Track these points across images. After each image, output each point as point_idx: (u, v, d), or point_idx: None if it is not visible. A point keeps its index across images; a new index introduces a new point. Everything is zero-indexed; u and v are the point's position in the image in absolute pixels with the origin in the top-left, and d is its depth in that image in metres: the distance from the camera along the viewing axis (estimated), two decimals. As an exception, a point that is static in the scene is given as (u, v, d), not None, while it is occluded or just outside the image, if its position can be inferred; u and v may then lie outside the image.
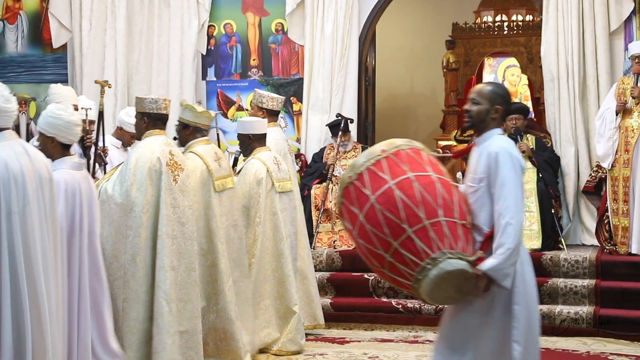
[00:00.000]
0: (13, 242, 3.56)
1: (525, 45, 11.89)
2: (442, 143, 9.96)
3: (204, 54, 8.28)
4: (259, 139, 5.84)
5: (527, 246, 4.32)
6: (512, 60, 12.10)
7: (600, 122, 6.93)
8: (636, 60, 6.92)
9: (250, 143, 5.79)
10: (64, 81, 8.67)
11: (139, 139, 4.86)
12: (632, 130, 6.72)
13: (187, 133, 5.19)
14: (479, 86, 3.80)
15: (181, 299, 4.58)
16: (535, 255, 6.26)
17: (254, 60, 8.51)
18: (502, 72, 12.41)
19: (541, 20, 8.06)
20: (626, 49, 7.21)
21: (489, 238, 3.58)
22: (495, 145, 3.57)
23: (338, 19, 8.26)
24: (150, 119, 4.77)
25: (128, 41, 8.47)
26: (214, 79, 8.38)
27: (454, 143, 9.84)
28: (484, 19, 12.49)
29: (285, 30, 8.48)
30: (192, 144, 5.15)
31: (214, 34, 8.55)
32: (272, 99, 6.21)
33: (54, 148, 4.17)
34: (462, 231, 3.58)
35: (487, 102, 3.67)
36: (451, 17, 12.74)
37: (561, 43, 7.88)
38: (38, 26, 8.86)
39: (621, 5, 7.67)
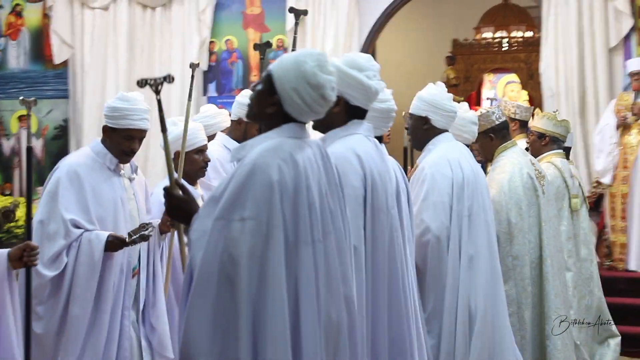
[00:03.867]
0: None
1: (525, 62, 12.05)
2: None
3: (205, 69, 8.35)
4: None
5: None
6: (512, 77, 12.33)
7: (600, 137, 6.99)
8: (635, 77, 6.99)
9: None
10: (65, 97, 8.85)
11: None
12: (631, 147, 6.80)
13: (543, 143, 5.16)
14: None
15: None
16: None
17: (254, 76, 8.55)
18: (502, 88, 12.65)
19: (540, 36, 8.14)
20: (625, 65, 7.28)
21: None
22: None
23: (339, 35, 8.31)
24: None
25: (129, 57, 8.52)
26: (215, 94, 8.43)
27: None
28: (484, 35, 12.75)
29: (286, 46, 8.55)
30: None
31: (215, 50, 8.62)
32: (525, 110, 5.98)
33: None
34: None
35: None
36: (451, 33, 12.90)
37: (560, 59, 7.92)
38: (40, 42, 8.95)
39: (620, 22, 7.73)
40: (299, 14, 4.71)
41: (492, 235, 3.89)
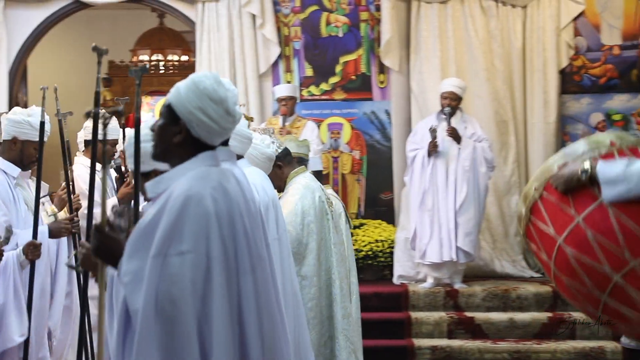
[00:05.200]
0: None
1: None
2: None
3: None
4: None
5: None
6: None
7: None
8: (282, 102, 7.67)
9: None
10: None
11: None
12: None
13: None
14: None
15: None
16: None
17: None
18: (158, 110, 12.71)
19: (195, 61, 8.49)
20: (273, 91, 7.90)
21: None
22: None
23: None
24: None
25: None
26: None
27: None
28: (141, 58, 12.98)
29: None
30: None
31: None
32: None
33: None
34: None
35: None
36: (108, 54, 12.86)
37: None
38: None
39: (269, 49, 8.29)
40: (101, 52, 4.52)
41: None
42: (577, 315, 7.26)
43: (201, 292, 2.52)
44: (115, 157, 5.87)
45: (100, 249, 2.66)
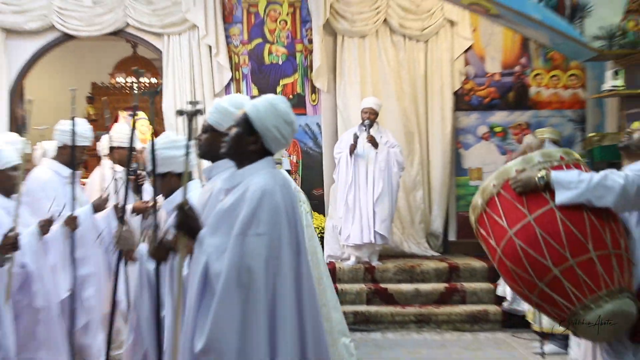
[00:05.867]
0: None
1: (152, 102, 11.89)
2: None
3: None
4: None
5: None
6: (142, 114, 12.25)
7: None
8: None
9: None
10: None
11: None
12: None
13: None
14: None
15: None
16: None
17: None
18: (132, 122, 12.29)
19: (162, 83, 8.73)
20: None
21: None
22: None
23: None
24: None
25: None
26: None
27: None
28: (118, 80, 12.88)
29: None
30: None
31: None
32: None
33: None
34: (627, 264, 3.13)
35: None
36: (91, 77, 12.83)
37: (178, 102, 8.56)
38: None
39: (222, 74, 8.70)
40: (139, 74, 4.69)
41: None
42: (468, 286, 7.64)
43: (273, 269, 2.60)
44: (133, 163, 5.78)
45: (183, 223, 2.67)
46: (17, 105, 8.84)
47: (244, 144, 2.73)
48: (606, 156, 7.37)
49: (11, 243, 3.99)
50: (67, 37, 8.91)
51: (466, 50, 8.99)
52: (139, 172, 5.61)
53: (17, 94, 8.82)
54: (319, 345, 2.76)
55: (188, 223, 2.64)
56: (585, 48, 7.17)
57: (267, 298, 2.58)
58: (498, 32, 8.97)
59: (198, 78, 8.69)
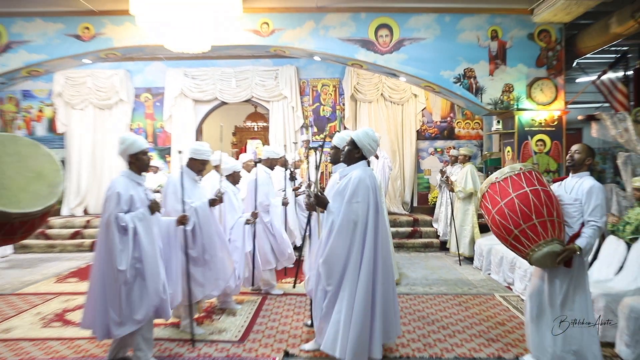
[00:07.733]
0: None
1: (264, 136, 14.78)
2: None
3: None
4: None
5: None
6: (259, 142, 15.24)
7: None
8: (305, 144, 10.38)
9: None
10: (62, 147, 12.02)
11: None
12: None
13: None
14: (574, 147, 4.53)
15: None
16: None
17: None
18: (253, 147, 14.90)
19: (269, 125, 11.62)
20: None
21: (576, 236, 4.18)
22: (587, 182, 4.34)
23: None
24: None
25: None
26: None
27: None
28: (247, 124, 15.80)
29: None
30: None
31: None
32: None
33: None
34: (558, 225, 4.10)
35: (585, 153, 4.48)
36: (234, 122, 16.17)
37: (277, 136, 11.98)
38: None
39: (298, 121, 11.96)
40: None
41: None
42: (423, 230, 10.46)
43: (364, 222, 3.85)
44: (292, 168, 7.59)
45: (318, 201, 4.03)
46: (198, 137, 13.26)
47: (352, 154, 4.01)
48: (493, 164, 10.75)
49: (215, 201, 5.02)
50: (223, 103, 13.04)
51: (422, 109, 12.73)
52: (293, 171, 7.70)
53: (198, 132, 13.30)
54: (387, 259, 3.94)
55: (320, 200, 4.01)
56: (482, 109, 9.60)
57: (361, 236, 3.77)
58: (439, 100, 12.74)
59: (287, 123, 12.74)
